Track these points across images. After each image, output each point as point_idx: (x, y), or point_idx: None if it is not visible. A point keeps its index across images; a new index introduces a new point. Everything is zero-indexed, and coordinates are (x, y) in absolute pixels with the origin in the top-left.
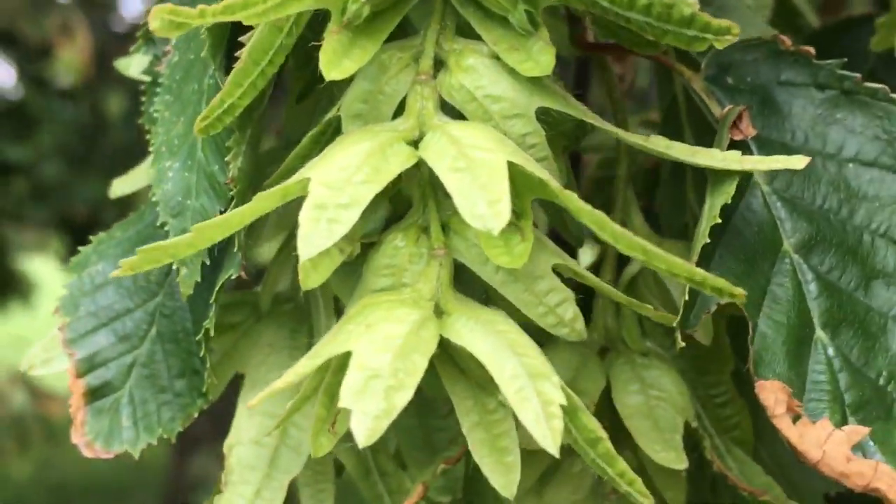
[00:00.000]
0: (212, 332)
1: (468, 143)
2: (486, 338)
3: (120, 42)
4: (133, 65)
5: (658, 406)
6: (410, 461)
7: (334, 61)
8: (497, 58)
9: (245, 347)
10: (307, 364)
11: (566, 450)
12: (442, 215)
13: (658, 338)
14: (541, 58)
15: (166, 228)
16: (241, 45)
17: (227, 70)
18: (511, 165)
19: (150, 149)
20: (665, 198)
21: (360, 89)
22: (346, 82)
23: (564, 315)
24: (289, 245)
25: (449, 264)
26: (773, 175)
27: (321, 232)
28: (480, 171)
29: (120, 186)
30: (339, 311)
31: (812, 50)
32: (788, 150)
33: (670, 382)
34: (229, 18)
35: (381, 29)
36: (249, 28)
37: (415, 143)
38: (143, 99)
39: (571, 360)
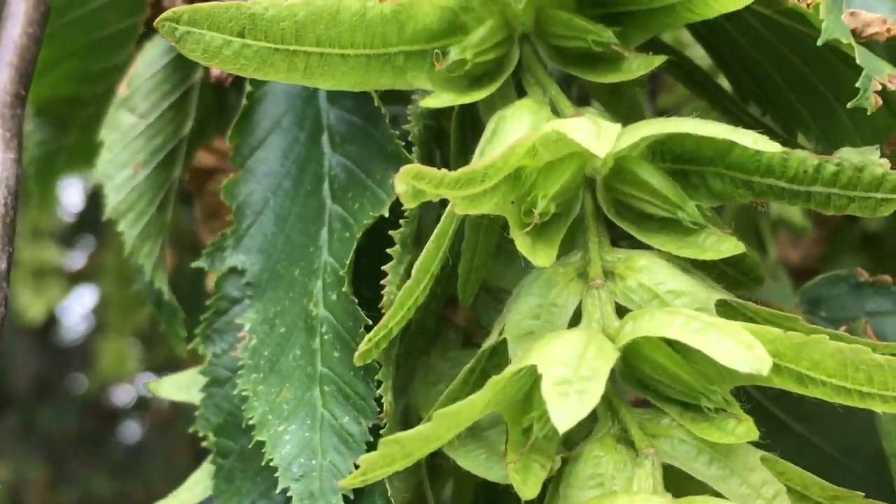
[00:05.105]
0: None
1: (688, 313)
2: None
3: None
4: (167, 385)
5: None
6: None
7: (532, 253)
8: (667, 258)
9: None
10: None
11: None
12: (636, 421)
13: None
14: (721, 246)
15: (289, 494)
16: None
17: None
18: None
19: (251, 422)
20: None
21: (528, 306)
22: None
23: None
24: None
25: (659, 464)
26: None
27: (573, 403)
28: (723, 326)
29: None
30: None
31: (889, 278)
32: None
33: None
34: (455, 193)
35: (553, 235)
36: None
37: None
38: (203, 395)
39: None
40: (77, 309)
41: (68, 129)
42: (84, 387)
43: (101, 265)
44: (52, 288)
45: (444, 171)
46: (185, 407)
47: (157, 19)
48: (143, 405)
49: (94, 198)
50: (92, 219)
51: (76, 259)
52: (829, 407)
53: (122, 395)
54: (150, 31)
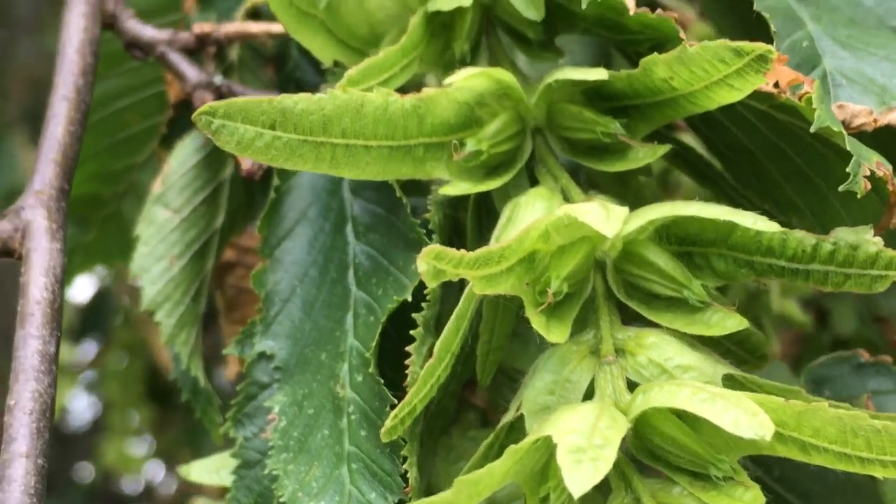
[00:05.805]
0: None
1: (695, 385)
2: None
3: None
4: (196, 469)
5: None
6: None
7: (546, 330)
8: (675, 335)
9: None
10: None
11: None
12: (648, 490)
13: None
14: (726, 323)
15: None
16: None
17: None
18: None
19: (281, 499)
20: None
21: (543, 382)
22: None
23: None
24: None
25: None
26: None
27: (587, 470)
28: (728, 396)
29: None
30: None
31: (889, 358)
32: None
33: None
34: (473, 273)
35: (566, 314)
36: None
37: None
38: (234, 477)
39: None
40: (82, 398)
41: (88, 227)
42: (90, 475)
43: (105, 368)
44: (63, 386)
45: (462, 251)
46: (191, 494)
47: (195, 113)
48: (150, 492)
49: (103, 294)
50: (100, 314)
51: (85, 352)
52: (836, 489)
53: (129, 483)
54: (173, 132)
